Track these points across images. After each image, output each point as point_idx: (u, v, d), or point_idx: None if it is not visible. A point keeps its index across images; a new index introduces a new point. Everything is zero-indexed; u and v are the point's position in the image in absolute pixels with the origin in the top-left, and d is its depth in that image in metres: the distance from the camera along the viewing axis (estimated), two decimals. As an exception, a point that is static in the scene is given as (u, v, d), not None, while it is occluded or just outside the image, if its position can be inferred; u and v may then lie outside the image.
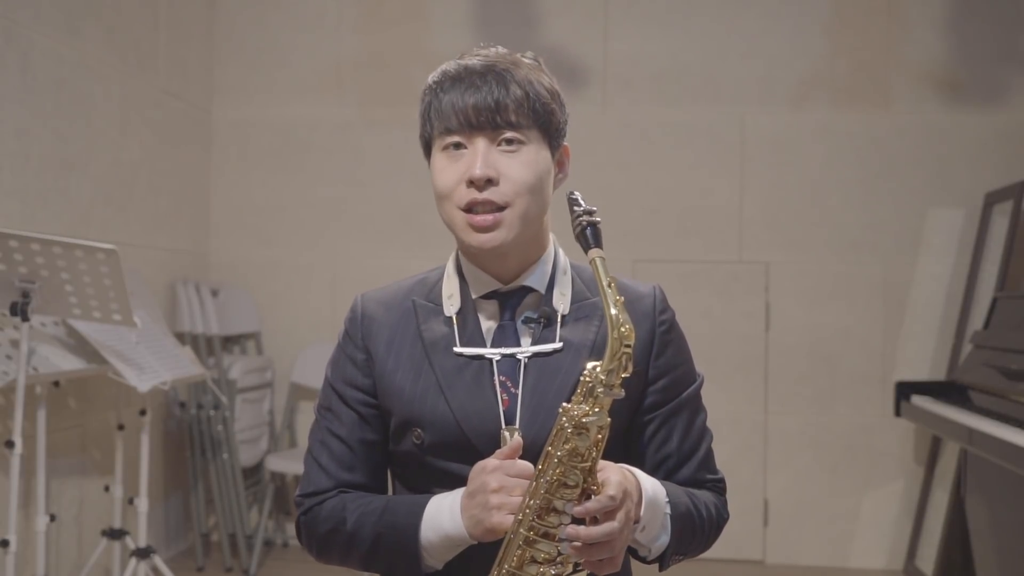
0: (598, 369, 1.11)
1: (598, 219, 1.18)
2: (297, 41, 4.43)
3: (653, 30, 4.25)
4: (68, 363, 2.95)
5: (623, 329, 1.10)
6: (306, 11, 4.44)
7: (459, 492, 1.20)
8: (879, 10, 4.15)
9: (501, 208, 1.22)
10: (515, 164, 1.22)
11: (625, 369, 1.10)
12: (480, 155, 1.21)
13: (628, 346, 1.10)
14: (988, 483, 3.21)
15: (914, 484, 4.06)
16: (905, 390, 3.70)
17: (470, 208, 1.22)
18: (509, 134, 1.22)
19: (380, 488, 1.35)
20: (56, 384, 3.12)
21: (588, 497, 1.11)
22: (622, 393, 1.11)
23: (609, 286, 1.12)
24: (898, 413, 3.72)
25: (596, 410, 1.10)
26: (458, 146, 1.23)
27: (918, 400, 3.59)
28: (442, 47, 4.26)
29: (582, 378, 1.12)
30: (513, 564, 1.14)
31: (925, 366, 4.07)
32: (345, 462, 1.31)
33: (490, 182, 1.21)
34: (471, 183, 1.21)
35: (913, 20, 4.13)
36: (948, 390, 3.58)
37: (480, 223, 1.22)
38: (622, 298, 1.12)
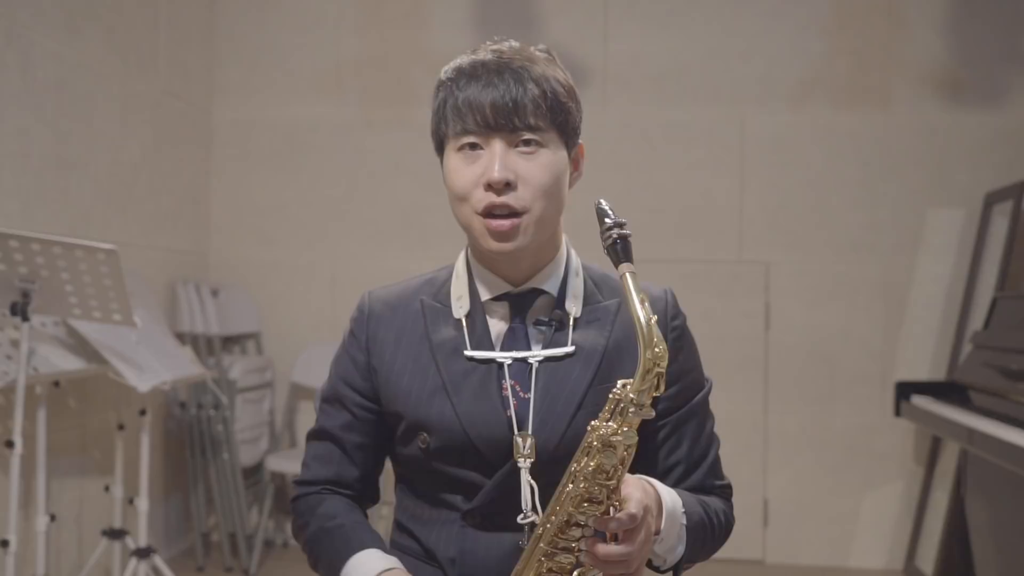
0: (628, 388, 1.08)
1: (628, 232, 1.16)
2: (297, 41, 4.43)
3: (653, 30, 4.24)
4: (68, 363, 2.95)
5: (657, 349, 1.06)
6: (306, 11, 4.44)
7: (381, 569, 1.19)
8: (879, 10, 4.15)
9: (519, 213, 1.19)
10: (533, 167, 1.19)
11: (656, 388, 1.07)
12: (498, 158, 1.18)
13: (660, 366, 1.07)
14: (988, 483, 3.21)
15: (914, 484, 4.05)
16: (905, 390, 3.70)
17: (488, 212, 1.19)
18: (527, 136, 1.19)
19: (368, 488, 1.36)
20: (56, 384, 3.12)
21: (610, 512, 1.09)
22: (652, 413, 1.09)
23: (642, 303, 1.08)
24: (898, 413, 3.72)
25: (624, 429, 1.08)
26: (474, 146, 1.20)
27: (918, 400, 3.59)
28: (442, 47, 4.26)
29: (611, 395, 1.09)
30: None
31: (925, 366, 4.07)
32: (335, 459, 1.32)
33: (508, 185, 1.18)
34: (489, 186, 1.18)
35: (913, 20, 4.13)
36: (948, 390, 3.57)
37: (498, 228, 1.19)
38: (655, 316, 1.09)
